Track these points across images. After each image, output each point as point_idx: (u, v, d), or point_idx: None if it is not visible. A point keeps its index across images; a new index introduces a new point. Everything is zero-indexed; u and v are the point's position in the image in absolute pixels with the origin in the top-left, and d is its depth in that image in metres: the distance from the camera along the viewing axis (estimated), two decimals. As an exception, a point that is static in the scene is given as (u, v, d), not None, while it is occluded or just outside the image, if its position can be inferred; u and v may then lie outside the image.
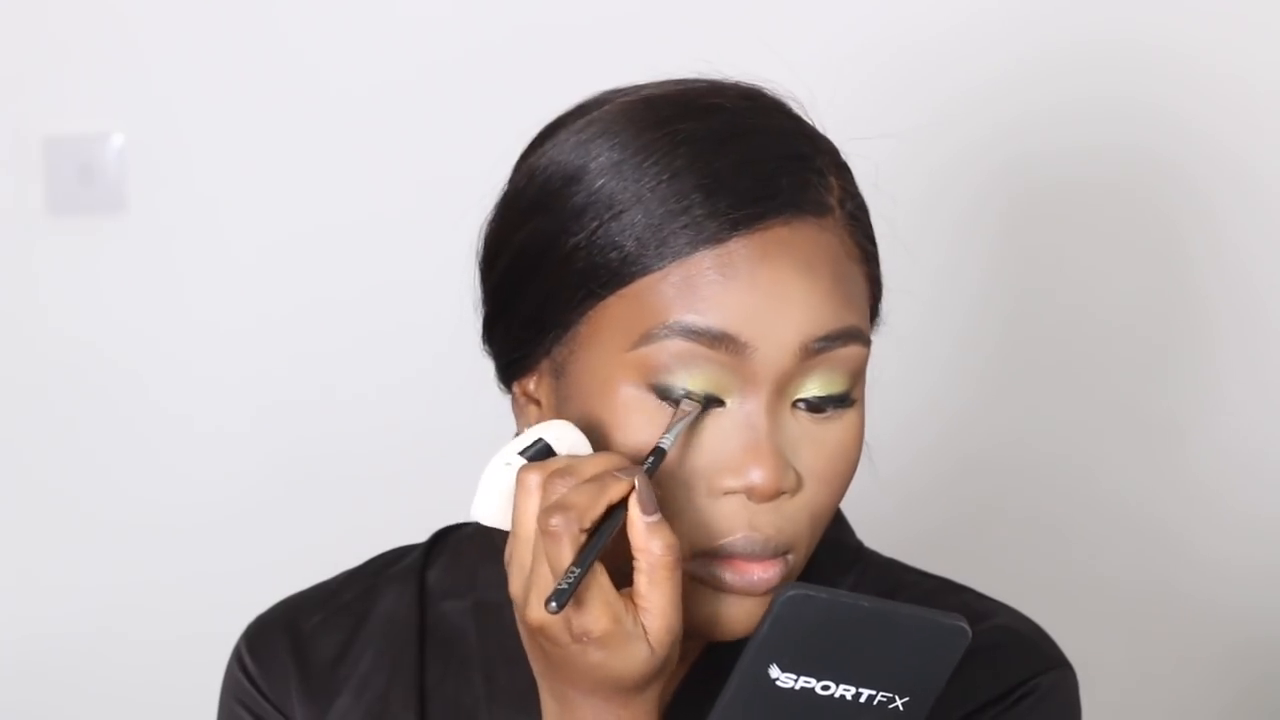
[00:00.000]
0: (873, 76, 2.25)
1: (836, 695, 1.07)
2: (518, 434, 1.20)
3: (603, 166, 1.17)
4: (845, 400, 1.16)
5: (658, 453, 1.13)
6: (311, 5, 2.29)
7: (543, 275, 1.19)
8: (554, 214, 1.19)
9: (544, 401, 1.21)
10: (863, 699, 1.07)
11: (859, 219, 1.19)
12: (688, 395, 1.14)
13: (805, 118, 1.22)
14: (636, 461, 1.13)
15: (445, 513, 1.38)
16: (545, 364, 1.20)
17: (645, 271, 1.15)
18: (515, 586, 1.12)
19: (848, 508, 1.26)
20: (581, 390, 1.18)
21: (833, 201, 1.17)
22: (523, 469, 1.13)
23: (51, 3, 2.28)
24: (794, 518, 1.16)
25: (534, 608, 1.11)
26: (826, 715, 1.08)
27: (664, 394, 1.15)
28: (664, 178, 1.16)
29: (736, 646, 1.11)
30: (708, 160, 1.16)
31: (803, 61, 2.15)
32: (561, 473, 1.11)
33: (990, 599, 1.30)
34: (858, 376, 1.17)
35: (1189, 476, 2.31)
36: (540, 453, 1.14)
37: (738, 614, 1.16)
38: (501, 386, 1.25)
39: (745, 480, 1.14)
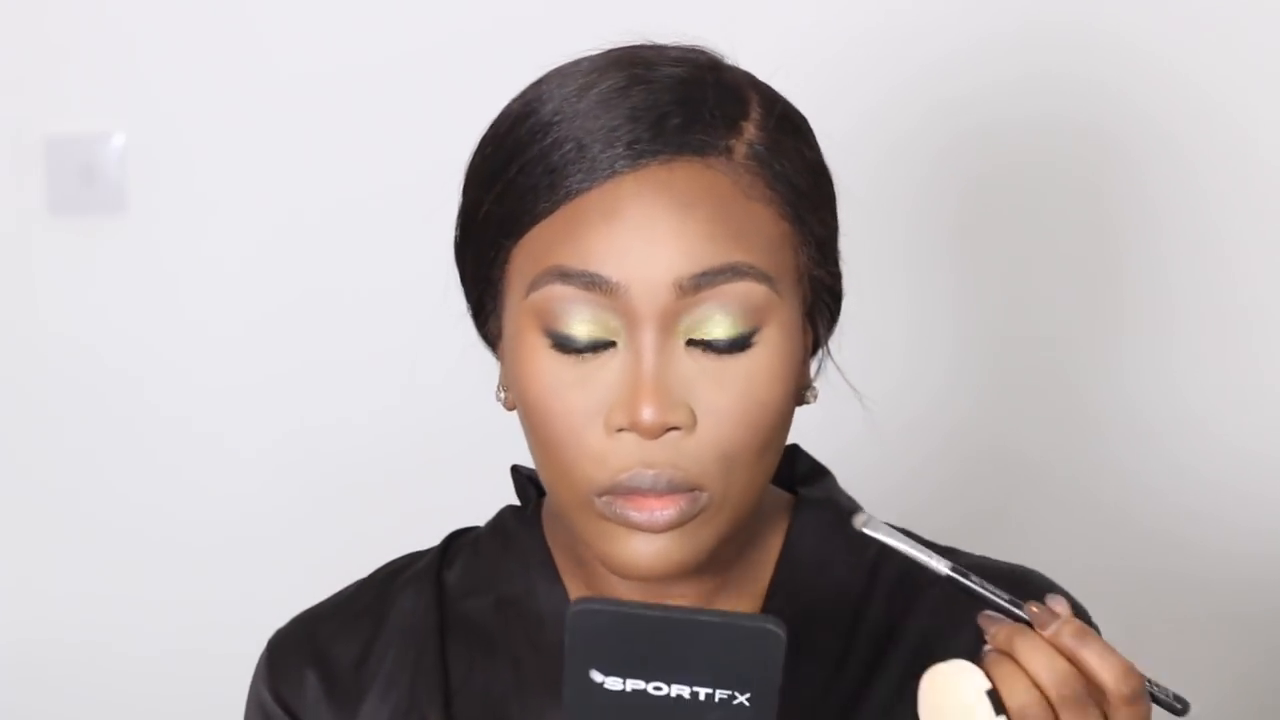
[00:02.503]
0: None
1: (673, 695, 1.06)
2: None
3: (511, 127, 1.22)
4: (742, 339, 1.18)
5: (967, 577, 1.12)
6: (312, 6, 2.29)
7: (473, 235, 1.24)
8: (478, 179, 1.24)
9: (501, 360, 1.25)
10: (702, 696, 1.06)
11: (776, 163, 1.21)
12: (864, 524, 1.14)
13: (734, 69, 1.25)
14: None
15: (452, 516, 1.38)
16: (495, 324, 1.25)
17: (537, 219, 1.19)
18: None
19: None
20: (506, 343, 1.23)
21: (730, 143, 1.19)
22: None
23: (51, 3, 2.27)
24: (696, 455, 1.17)
25: None
26: (672, 713, 1.07)
27: (558, 341, 1.18)
28: (562, 129, 1.19)
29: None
30: (603, 109, 1.19)
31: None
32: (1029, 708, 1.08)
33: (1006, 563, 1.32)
34: (761, 313, 1.18)
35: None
36: (998, 703, 1.10)
37: (646, 550, 1.18)
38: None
39: (632, 417, 1.16)
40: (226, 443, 2.34)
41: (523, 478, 1.36)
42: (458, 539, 1.36)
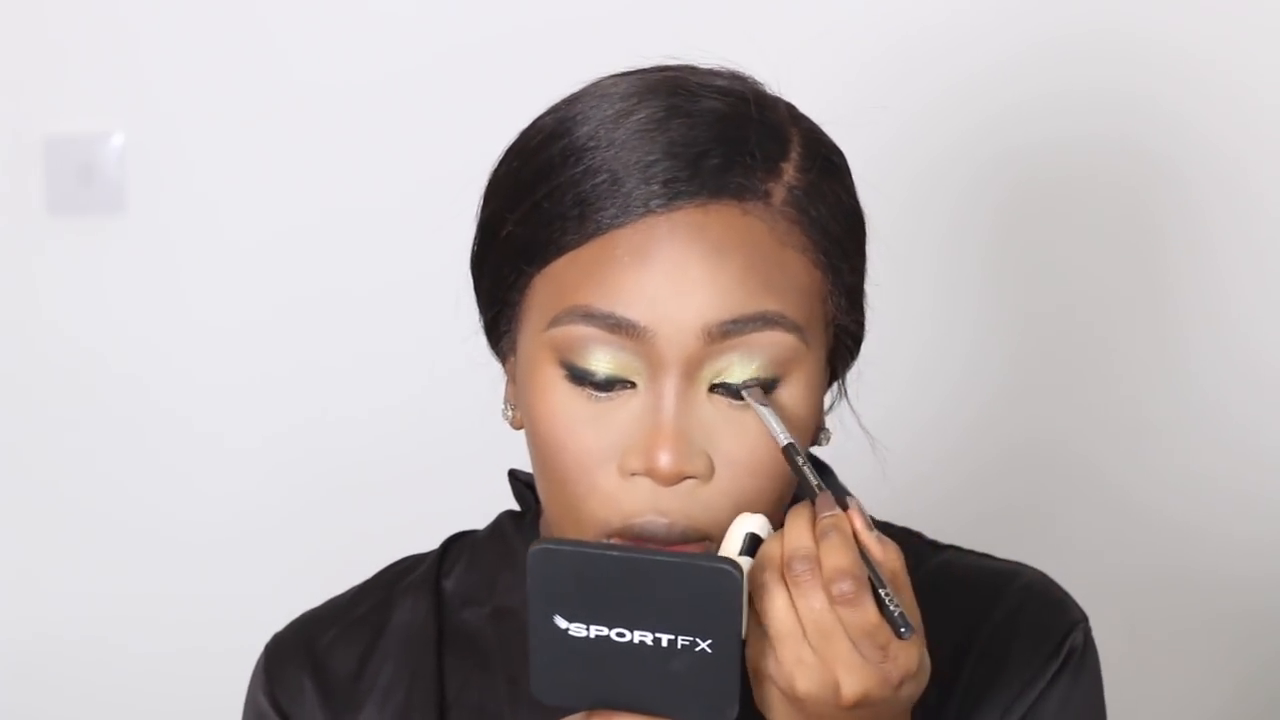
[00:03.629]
0: (862, 72, 2.24)
1: (635, 641, 1.07)
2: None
3: (544, 148, 1.19)
4: (768, 388, 1.16)
5: (803, 457, 1.13)
6: (311, 6, 2.29)
7: (493, 253, 1.21)
8: (502, 195, 1.21)
9: (512, 379, 1.23)
10: (665, 643, 1.07)
11: (813, 209, 1.18)
12: (743, 386, 1.15)
13: (777, 103, 1.21)
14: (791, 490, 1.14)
15: (453, 518, 1.38)
16: (509, 343, 1.23)
17: (564, 249, 1.16)
18: (809, 683, 1.08)
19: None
20: (521, 369, 1.20)
21: (767, 186, 1.17)
22: (753, 570, 1.10)
23: (51, 3, 2.27)
24: (710, 504, 1.15)
25: (849, 686, 1.07)
26: (636, 661, 1.08)
27: (576, 376, 1.15)
28: (596, 159, 1.17)
29: None
30: (640, 142, 1.16)
31: (788, 58, 2.15)
32: (795, 556, 1.09)
33: (1000, 559, 1.31)
34: (788, 363, 1.16)
35: (1185, 463, 2.31)
36: (754, 547, 1.12)
37: None
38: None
39: (648, 463, 1.14)
40: (226, 441, 2.34)
41: (520, 484, 1.35)
42: (456, 543, 1.35)
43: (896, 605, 1.07)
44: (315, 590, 1.37)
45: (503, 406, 1.25)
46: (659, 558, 1.07)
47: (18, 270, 2.31)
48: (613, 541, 1.14)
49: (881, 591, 1.07)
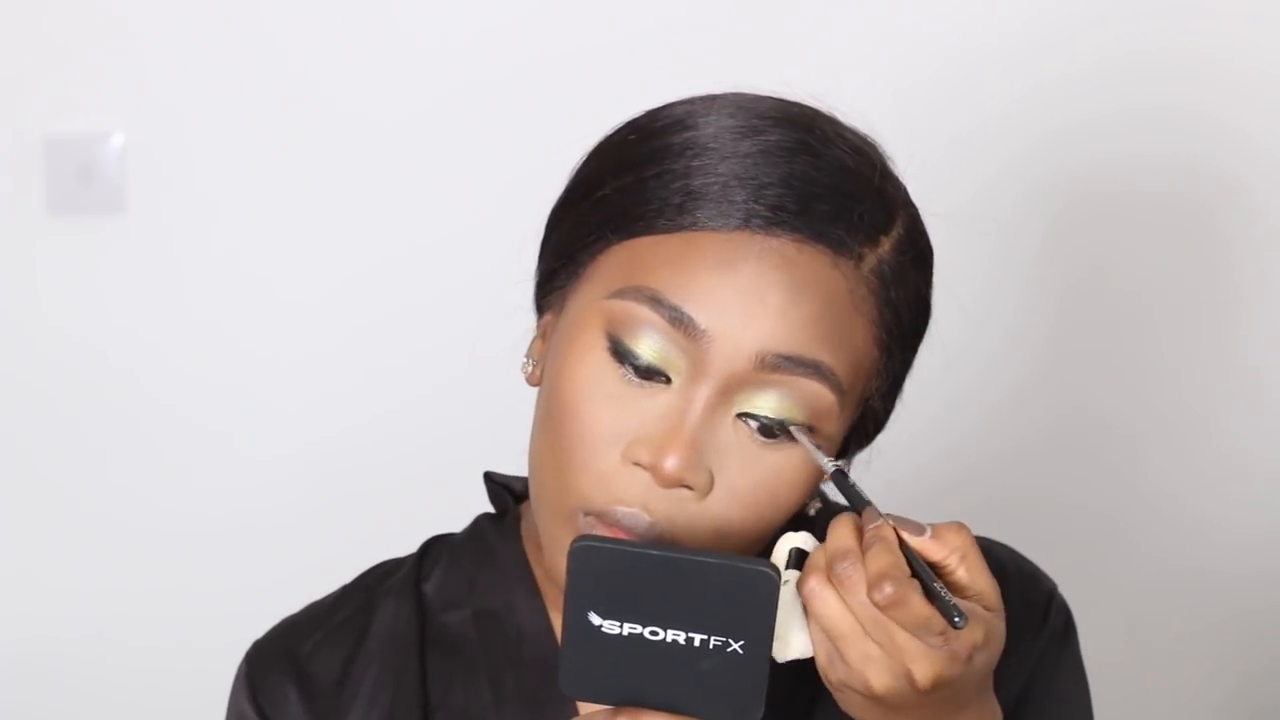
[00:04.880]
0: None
1: (668, 640, 1.08)
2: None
3: (676, 132, 1.20)
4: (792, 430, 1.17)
5: (845, 477, 1.15)
6: (310, 6, 2.29)
7: (578, 210, 1.22)
8: (614, 159, 1.22)
9: (547, 339, 1.24)
10: (696, 643, 1.08)
11: (892, 290, 1.19)
12: (789, 423, 1.16)
13: (897, 180, 1.23)
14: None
15: (453, 518, 1.38)
16: (559, 300, 1.23)
17: (651, 230, 1.18)
18: (882, 678, 1.09)
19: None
20: (563, 328, 1.21)
21: (862, 251, 1.18)
22: (800, 580, 1.11)
23: (51, 3, 2.27)
24: (694, 519, 1.16)
25: (922, 672, 1.08)
26: (667, 659, 1.09)
27: (619, 353, 1.16)
28: (718, 159, 1.18)
29: None
30: (764, 160, 1.18)
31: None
32: (837, 557, 1.10)
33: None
34: (819, 418, 1.17)
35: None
36: (800, 559, 1.13)
37: None
38: (536, 318, 1.27)
39: (655, 458, 1.15)
40: (225, 440, 2.35)
41: (497, 485, 1.35)
42: (434, 546, 1.35)
43: (948, 595, 1.08)
44: (315, 586, 1.37)
45: (524, 360, 1.26)
46: (700, 558, 1.08)
47: (18, 270, 2.31)
48: (649, 541, 1.14)
49: (933, 585, 1.08)
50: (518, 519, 1.33)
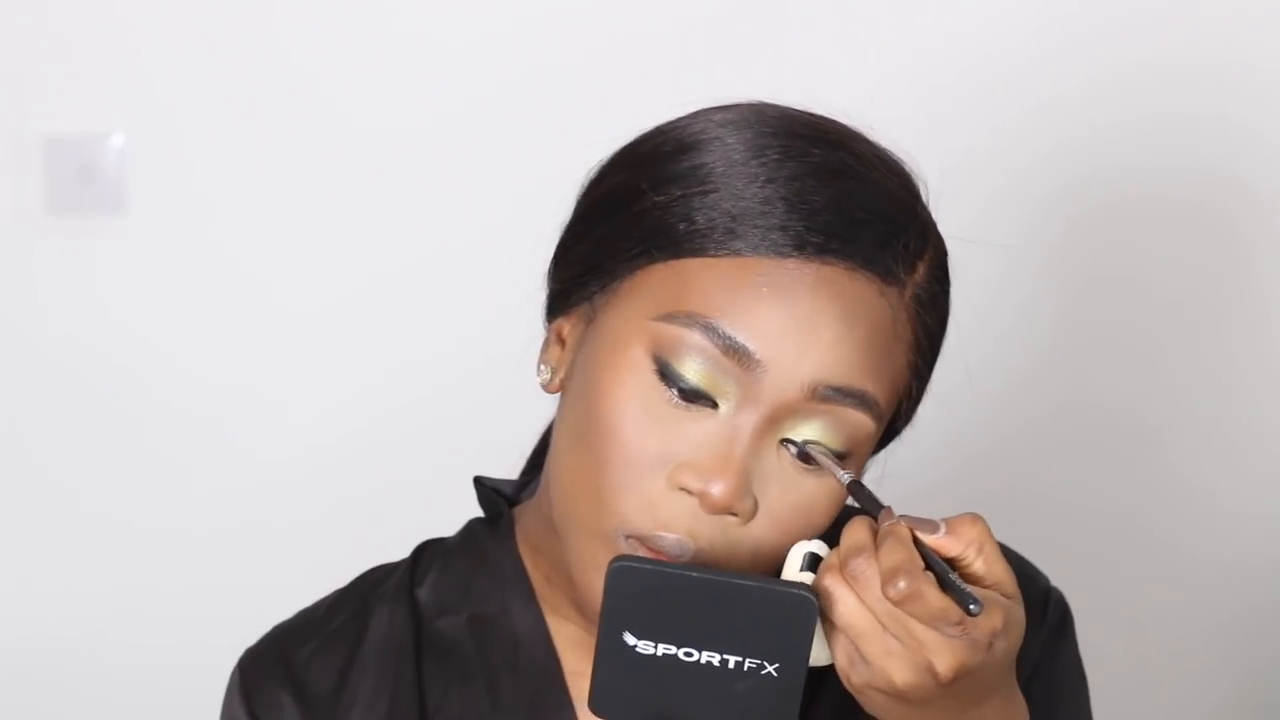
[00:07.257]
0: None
1: (703, 661, 1.08)
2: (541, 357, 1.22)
3: (715, 148, 1.19)
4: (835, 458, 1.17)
5: (861, 487, 1.15)
6: (310, 6, 2.29)
7: (614, 220, 1.20)
8: (652, 171, 1.20)
9: (568, 344, 1.22)
10: (730, 665, 1.08)
11: (926, 315, 1.20)
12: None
13: (925, 204, 1.23)
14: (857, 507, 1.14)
15: (456, 523, 1.37)
16: (584, 308, 1.21)
17: (700, 253, 1.17)
18: (904, 672, 1.09)
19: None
20: (599, 341, 1.19)
21: (905, 278, 1.18)
22: (816, 579, 1.11)
23: (51, 3, 2.27)
24: (736, 544, 1.16)
25: (943, 663, 1.08)
26: (700, 680, 1.09)
27: (666, 375, 1.16)
28: (763, 180, 1.17)
29: None
30: (811, 183, 1.17)
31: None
32: (851, 554, 1.10)
33: None
34: (857, 444, 1.17)
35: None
36: (814, 563, 1.13)
37: None
38: (545, 321, 1.26)
39: (704, 485, 1.15)
40: (226, 440, 2.35)
41: (488, 490, 1.35)
42: (426, 551, 1.35)
43: (962, 584, 1.08)
44: (315, 588, 1.36)
45: (539, 366, 1.25)
46: (740, 581, 1.08)
47: (18, 270, 2.31)
48: (687, 563, 1.14)
49: (948, 576, 1.08)
50: (512, 523, 1.33)
